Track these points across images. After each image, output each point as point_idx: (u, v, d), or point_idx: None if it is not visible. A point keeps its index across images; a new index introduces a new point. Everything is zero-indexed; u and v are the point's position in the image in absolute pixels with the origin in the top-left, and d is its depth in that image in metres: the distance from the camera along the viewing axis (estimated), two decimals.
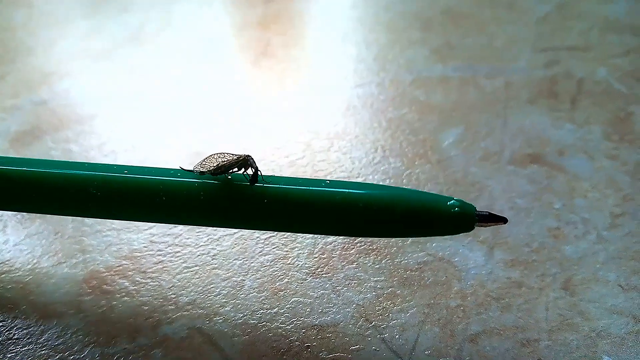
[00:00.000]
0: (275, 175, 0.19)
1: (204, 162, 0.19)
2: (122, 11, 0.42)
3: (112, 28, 0.40)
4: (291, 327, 0.21)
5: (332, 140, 0.29)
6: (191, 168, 0.19)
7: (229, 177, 0.19)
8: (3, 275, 0.23)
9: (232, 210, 0.19)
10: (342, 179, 0.26)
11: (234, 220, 0.19)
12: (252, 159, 0.19)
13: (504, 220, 0.18)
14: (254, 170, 0.18)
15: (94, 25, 0.41)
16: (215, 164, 0.19)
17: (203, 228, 0.24)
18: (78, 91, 0.34)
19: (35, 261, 0.23)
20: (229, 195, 0.19)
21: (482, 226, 0.18)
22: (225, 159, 0.19)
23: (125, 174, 0.19)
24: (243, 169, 0.19)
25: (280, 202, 0.18)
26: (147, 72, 0.35)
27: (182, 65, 0.36)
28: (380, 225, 0.18)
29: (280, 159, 0.28)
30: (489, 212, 0.18)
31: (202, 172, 0.19)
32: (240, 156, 0.19)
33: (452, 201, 0.18)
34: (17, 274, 0.23)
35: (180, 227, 0.24)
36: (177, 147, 0.29)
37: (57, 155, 0.29)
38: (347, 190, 0.18)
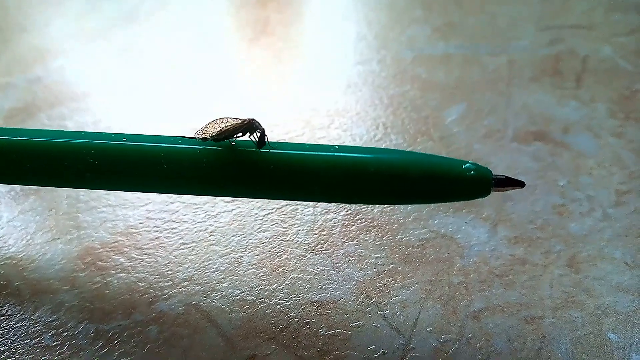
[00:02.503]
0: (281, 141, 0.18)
1: (205, 128, 0.18)
2: None
3: (107, 7, 0.40)
4: (290, 304, 0.20)
5: (332, 118, 0.28)
6: (192, 135, 0.18)
7: (233, 143, 0.18)
8: None
9: (237, 178, 0.18)
10: None
11: (239, 188, 0.18)
12: (257, 122, 0.18)
13: (521, 184, 0.17)
14: (260, 132, 0.18)
15: (89, 4, 0.40)
16: (218, 130, 0.18)
17: (200, 204, 0.24)
18: (72, 69, 0.33)
19: (29, 237, 0.23)
20: (234, 162, 0.18)
21: (498, 190, 0.17)
22: (229, 124, 0.18)
23: (124, 141, 0.18)
24: (248, 134, 0.18)
25: (287, 168, 0.17)
26: (143, 51, 0.35)
27: (179, 43, 0.35)
28: (391, 190, 0.17)
29: (279, 135, 0.27)
30: (506, 176, 0.17)
31: (204, 139, 0.18)
32: (245, 120, 0.18)
33: (467, 164, 0.17)
34: (11, 250, 0.22)
35: (177, 203, 0.24)
36: (174, 125, 0.28)
37: None
38: (357, 155, 0.17)
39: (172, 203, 0.24)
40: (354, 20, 0.37)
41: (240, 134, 0.18)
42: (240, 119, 0.18)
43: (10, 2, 0.41)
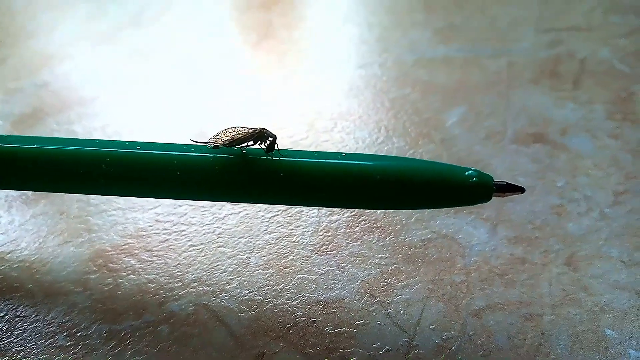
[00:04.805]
0: (291, 149, 0.19)
1: (217, 136, 0.19)
2: None
3: (113, 11, 0.40)
4: (297, 303, 0.21)
5: (335, 121, 0.29)
6: (202, 141, 0.19)
7: (244, 151, 0.19)
8: (9, 255, 0.23)
9: (248, 185, 0.18)
10: None
11: (249, 194, 0.19)
12: (269, 131, 0.18)
13: (521, 189, 0.18)
14: (271, 139, 0.18)
15: (95, 8, 0.41)
16: (229, 137, 0.18)
17: (208, 207, 0.24)
18: (79, 74, 0.34)
19: (41, 241, 0.24)
20: (245, 169, 0.18)
21: (499, 196, 0.18)
22: (240, 132, 0.19)
23: (138, 149, 0.19)
24: (259, 142, 0.18)
25: (296, 175, 0.18)
26: (148, 55, 0.35)
27: (184, 47, 0.36)
28: (396, 197, 0.18)
29: (283, 139, 0.28)
30: (507, 182, 0.18)
31: (216, 146, 0.18)
32: (256, 129, 0.18)
33: (469, 171, 0.18)
34: (24, 254, 0.23)
35: (186, 206, 0.24)
36: (180, 129, 0.29)
37: (61, 136, 0.29)
38: (363, 163, 0.18)
39: (180, 206, 0.25)
40: (356, 23, 0.37)
41: (252, 142, 0.18)
42: (251, 128, 0.19)
43: (16, 7, 0.42)
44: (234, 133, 0.19)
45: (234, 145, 0.18)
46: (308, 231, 0.23)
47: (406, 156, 0.26)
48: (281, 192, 0.18)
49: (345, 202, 0.19)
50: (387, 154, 0.27)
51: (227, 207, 0.24)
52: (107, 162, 0.19)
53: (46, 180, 0.20)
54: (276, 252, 0.23)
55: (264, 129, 0.18)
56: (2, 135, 0.20)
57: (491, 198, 0.18)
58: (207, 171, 0.18)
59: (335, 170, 0.18)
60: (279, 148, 0.18)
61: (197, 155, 0.19)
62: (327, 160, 0.18)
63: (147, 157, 0.19)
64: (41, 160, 0.19)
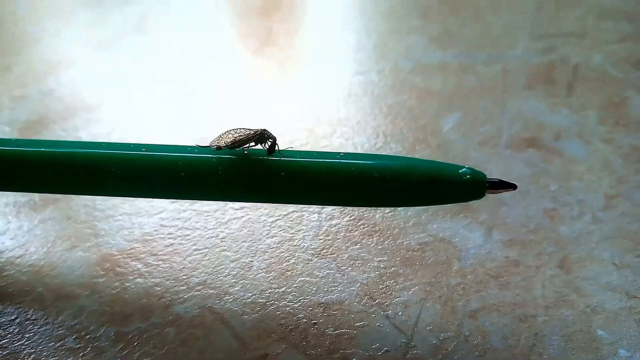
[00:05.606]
0: (291, 149, 0.19)
1: (220, 137, 0.19)
2: (125, 1, 0.43)
3: (115, 18, 0.41)
4: (298, 305, 0.21)
5: (334, 127, 0.30)
6: (207, 144, 0.20)
7: (246, 151, 0.19)
8: (18, 259, 0.24)
9: (250, 184, 0.19)
10: None
11: (252, 193, 0.20)
12: (269, 132, 0.19)
13: (513, 186, 0.18)
14: (272, 141, 0.19)
15: (97, 15, 0.41)
16: (231, 139, 0.19)
17: (211, 212, 0.25)
18: (84, 80, 0.35)
19: (49, 245, 0.24)
20: (247, 169, 0.19)
21: (492, 193, 0.18)
22: (242, 134, 0.19)
23: (144, 151, 0.19)
24: (260, 143, 0.19)
25: (296, 175, 0.19)
26: (151, 62, 0.36)
27: (185, 54, 0.37)
28: (394, 194, 0.18)
29: (284, 144, 0.28)
30: (499, 179, 0.18)
31: (219, 147, 0.19)
32: (257, 130, 0.19)
33: (463, 169, 0.18)
34: (33, 258, 0.24)
35: (190, 211, 0.25)
36: (183, 134, 0.30)
37: None
38: (361, 162, 0.19)
39: (184, 211, 0.25)
40: (354, 30, 0.38)
41: (253, 144, 0.19)
42: (252, 129, 0.19)
43: (20, 14, 0.42)
44: (236, 135, 0.19)
45: (236, 147, 0.19)
46: (309, 235, 0.24)
47: None
48: (282, 191, 0.19)
49: (343, 200, 0.20)
50: None
51: (230, 212, 0.25)
52: (115, 164, 0.19)
53: (56, 182, 0.20)
54: (278, 255, 0.23)
55: (264, 130, 0.19)
56: (12, 139, 0.21)
57: (485, 195, 0.18)
58: (211, 172, 0.19)
59: (335, 170, 0.19)
60: (280, 149, 0.19)
61: (201, 156, 0.19)
62: (327, 160, 0.19)
63: (153, 158, 0.19)
64: (51, 163, 0.20)
